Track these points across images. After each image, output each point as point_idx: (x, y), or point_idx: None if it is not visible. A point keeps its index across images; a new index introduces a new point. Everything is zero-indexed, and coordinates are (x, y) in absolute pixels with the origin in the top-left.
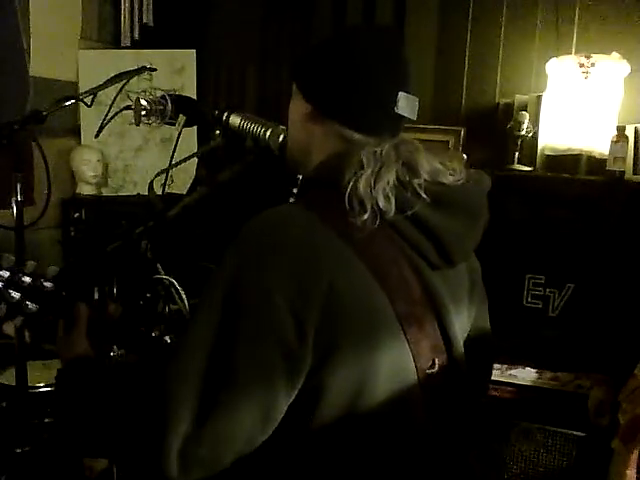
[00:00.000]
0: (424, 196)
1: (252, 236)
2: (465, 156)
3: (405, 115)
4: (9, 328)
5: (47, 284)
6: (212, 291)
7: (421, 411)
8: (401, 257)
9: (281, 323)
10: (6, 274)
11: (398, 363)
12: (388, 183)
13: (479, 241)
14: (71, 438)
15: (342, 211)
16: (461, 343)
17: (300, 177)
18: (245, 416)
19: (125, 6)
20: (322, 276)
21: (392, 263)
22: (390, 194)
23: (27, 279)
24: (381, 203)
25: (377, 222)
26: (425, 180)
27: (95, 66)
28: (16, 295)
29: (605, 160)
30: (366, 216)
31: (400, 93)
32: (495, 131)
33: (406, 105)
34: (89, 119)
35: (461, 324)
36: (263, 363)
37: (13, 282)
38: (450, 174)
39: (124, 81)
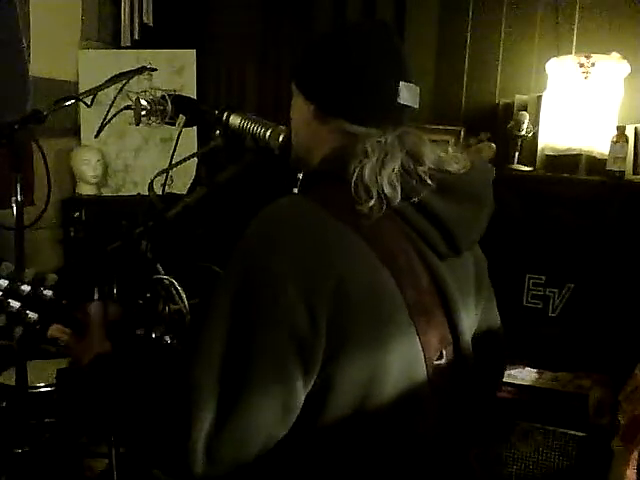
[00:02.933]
0: (429, 183)
1: (259, 231)
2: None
3: (408, 104)
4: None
5: (47, 292)
6: (225, 285)
7: (429, 403)
8: (408, 245)
9: (294, 315)
10: (5, 283)
11: (408, 355)
12: (393, 170)
13: (485, 229)
14: (86, 432)
15: (347, 200)
16: (468, 336)
17: (300, 176)
18: (264, 408)
19: (125, 6)
20: (331, 265)
21: (400, 250)
22: (395, 181)
23: (26, 288)
24: (387, 190)
25: (383, 209)
26: (430, 168)
27: (95, 66)
28: (15, 305)
29: (605, 160)
30: (372, 203)
31: (401, 83)
32: (495, 131)
33: (408, 94)
34: (89, 119)
35: (468, 316)
36: (278, 354)
37: (12, 291)
38: (455, 162)
39: (124, 81)
